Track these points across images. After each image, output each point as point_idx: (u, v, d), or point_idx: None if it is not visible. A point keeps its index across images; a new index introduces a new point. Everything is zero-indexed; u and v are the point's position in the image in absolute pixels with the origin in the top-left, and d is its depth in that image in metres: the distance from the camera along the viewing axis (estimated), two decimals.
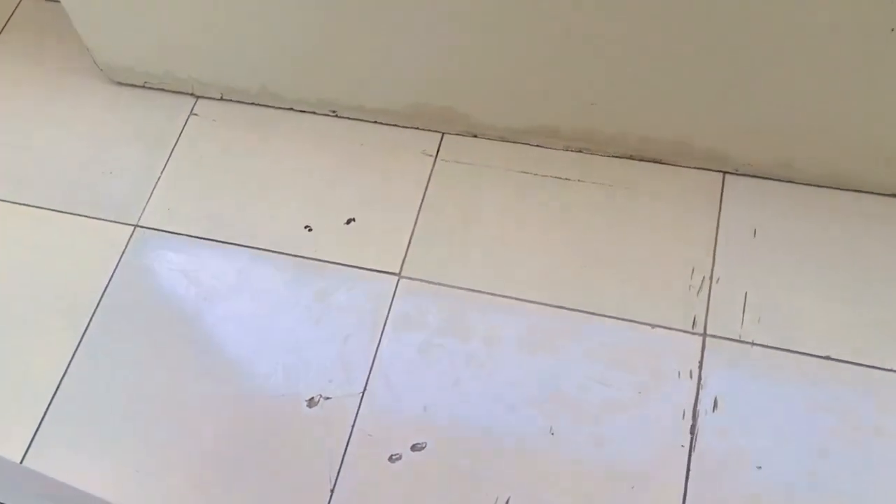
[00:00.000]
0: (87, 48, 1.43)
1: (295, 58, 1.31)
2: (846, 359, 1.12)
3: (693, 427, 1.10)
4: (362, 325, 1.23)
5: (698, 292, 1.20)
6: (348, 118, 1.41)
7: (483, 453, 1.11)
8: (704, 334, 1.16)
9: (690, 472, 1.08)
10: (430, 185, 1.33)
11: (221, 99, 1.44)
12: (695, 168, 1.29)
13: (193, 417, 1.18)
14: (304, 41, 1.27)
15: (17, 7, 1.62)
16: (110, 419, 1.18)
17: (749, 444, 1.08)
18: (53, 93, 1.50)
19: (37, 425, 1.19)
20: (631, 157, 1.31)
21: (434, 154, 1.36)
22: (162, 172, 1.39)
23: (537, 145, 1.34)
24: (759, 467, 1.07)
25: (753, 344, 1.14)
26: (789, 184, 1.26)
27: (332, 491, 1.11)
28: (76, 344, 1.24)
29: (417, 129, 1.38)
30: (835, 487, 1.04)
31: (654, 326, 1.18)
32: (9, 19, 1.60)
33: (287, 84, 1.37)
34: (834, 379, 1.11)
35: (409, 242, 1.29)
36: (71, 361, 1.23)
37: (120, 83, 1.49)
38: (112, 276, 1.30)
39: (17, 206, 1.38)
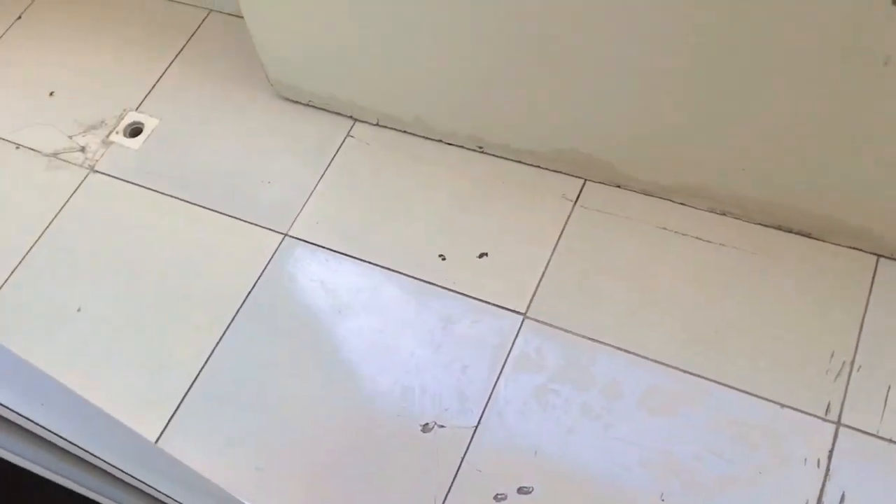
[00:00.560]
0: (262, 64, 1.54)
1: (451, 94, 1.36)
2: None
3: None
4: (482, 359, 1.25)
5: (836, 377, 1.14)
6: (493, 155, 1.44)
7: None
8: (838, 423, 1.10)
9: None
10: (566, 229, 1.34)
11: (377, 124, 1.51)
12: (846, 247, 1.24)
13: (315, 425, 1.23)
14: (463, 81, 1.32)
15: (204, 19, 1.77)
16: (240, 416, 1.26)
17: None
18: (225, 101, 1.62)
19: (172, 412, 1.28)
20: (778, 227, 1.27)
21: (574, 199, 1.37)
22: (315, 187, 1.47)
23: (681, 203, 1.33)
24: None
25: (892, 441, 1.08)
26: None
27: None
28: (217, 339, 1.33)
29: (560, 172, 1.40)
30: None
31: (783, 406, 1.14)
32: (196, 30, 1.75)
33: (440, 117, 1.42)
34: None
35: (539, 284, 1.30)
36: (210, 356, 1.32)
37: (286, 99, 1.59)
38: (258, 279, 1.39)
39: (180, 201, 1.50)
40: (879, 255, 1.22)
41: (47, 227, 1.52)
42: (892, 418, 1.09)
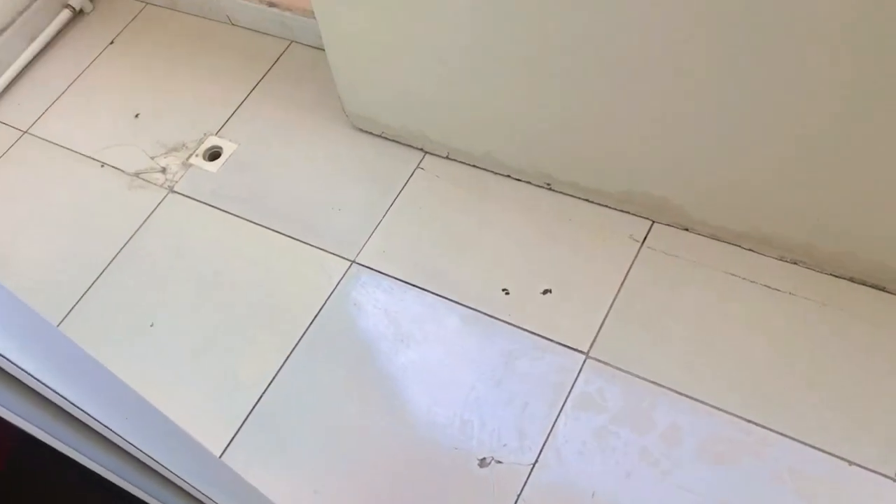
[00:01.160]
0: (339, 96, 1.59)
1: (525, 133, 1.38)
2: None
3: None
4: (543, 397, 1.25)
5: None
6: (561, 192, 1.45)
7: None
8: None
9: None
10: (632, 270, 1.34)
11: (447, 157, 1.54)
12: None
13: (373, 452, 1.25)
14: (538, 120, 1.33)
15: (285, 49, 1.83)
16: (301, 439, 1.28)
17: None
18: (301, 129, 1.67)
19: (236, 430, 1.31)
20: (850, 279, 1.25)
21: (641, 240, 1.37)
22: (384, 216, 1.50)
23: (750, 249, 1.31)
24: None
25: None
26: None
27: None
28: (282, 361, 1.37)
29: (627, 213, 1.40)
30: None
31: (850, 464, 1.11)
32: (277, 60, 1.81)
33: (510, 154, 1.44)
34: None
35: (602, 324, 1.30)
36: (275, 377, 1.35)
37: (360, 129, 1.63)
38: (324, 303, 1.42)
39: (253, 224, 1.55)
40: None
41: (126, 243, 1.58)
42: None
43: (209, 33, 1.91)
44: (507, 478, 1.18)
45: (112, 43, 1.96)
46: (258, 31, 1.87)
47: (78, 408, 0.64)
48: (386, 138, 1.61)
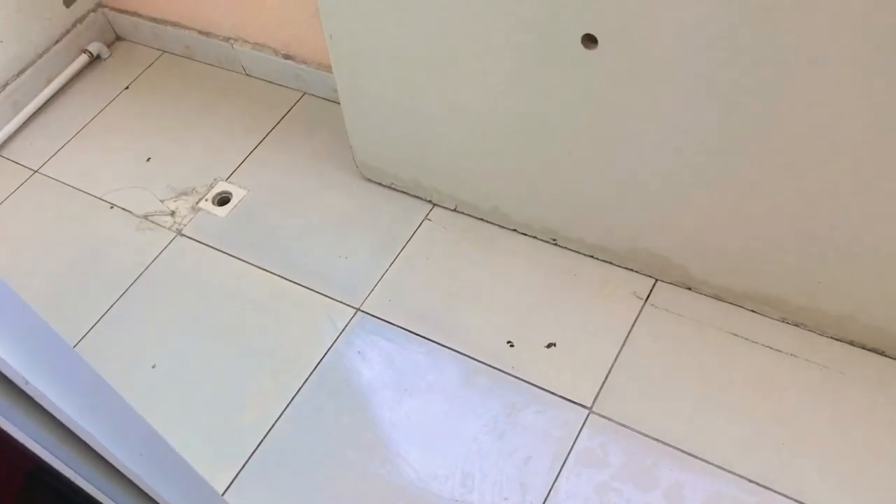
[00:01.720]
0: (351, 146, 1.62)
1: (533, 189, 1.41)
2: None
3: None
4: (545, 450, 1.25)
5: None
6: (566, 248, 1.48)
7: None
8: None
9: None
10: (635, 326, 1.36)
11: (455, 210, 1.57)
12: None
13: (372, 501, 1.24)
14: (546, 178, 1.37)
15: (298, 100, 1.87)
16: (301, 485, 1.27)
17: None
18: (310, 178, 1.70)
19: (235, 474, 1.30)
20: (851, 343, 1.27)
21: (644, 298, 1.39)
22: (390, 266, 1.52)
23: (751, 310, 1.33)
24: None
25: None
26: None
27: None
28: (284, 406, 1.37)
29: (631, 270, 1.42)
30: None
31: None
32: (289, 110, 1.86)
33: (517, 208, 1.47)
34: None
35: (606, 379, 1.31)
36: (276, 422, 1.35)
37: (370, 180, 1.66)
38: (328, 350, 1.42)
39: (260, 270, 1.56)
40: None
41: (132, 283, 1.59)
42: None
43: (224, 82, 1.95)
44: None
45: (127, 88, 2.00)
46: (272, 82, 1.92)
47: (101, 444, 0.64)
48: (395, 189, 1.64)
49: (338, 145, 1.74)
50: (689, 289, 1.38)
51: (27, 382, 0.55)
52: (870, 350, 1.26)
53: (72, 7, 1.99)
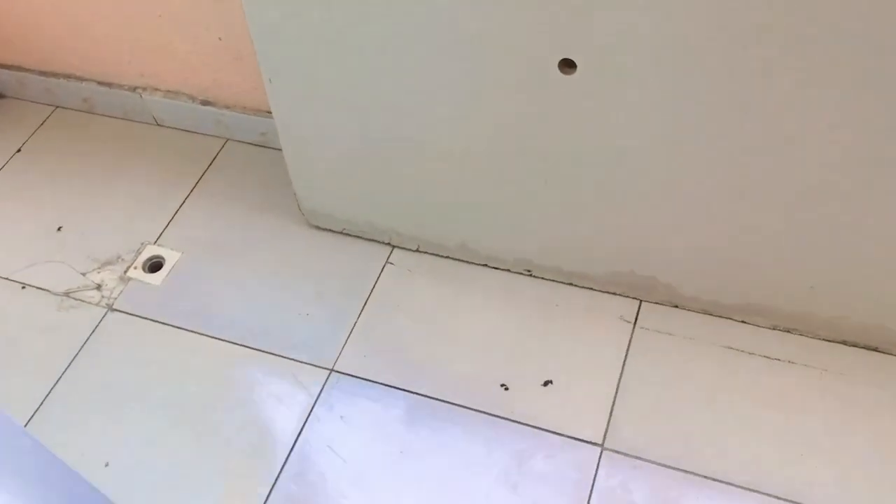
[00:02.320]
0: (295, 193, 1.50)
1: (500, 220, 1.34)
2: None
3: None
4: (565, 497, 1.18)
5: None
6: (543, 278, 1.42)
7: None
8: None
9: None
10: (629, 352, 1.31)
11: (417, 250, 1.48)
12: None
13: None
14: (513, 206, 1.30)
15: (221, 148, 1.73)
16: None
17: None
18: (250, 231, 1.57)
19: None
20: (844, 342, 1.27)
21: (632, 321, 1.35)
22: (358, 318, 1.41)
23: (741, 321, 1.32)
24: None
25: None
26: None
27: None
28: (268, 491, 1.23)
29: (614, 294, 1.38)
30: None
31: None
32: (213, 160, 1.71)
33: (487, 242, 1.40)
34: None
35: (612, 412, 1.25)
36: None
37: (318, 227, 1.55)
38: (306, 419, 1.30)
39: (212, 339, 1.41)
40: None
41: (63, 372, 1.40)
42: None
43: (133, 135, 1.78)
44: None
45: (20, 150, 1.79)
46: (188, 131, 1.77)
47: None
48: (348, 234, 1.53)
49: (276, 193, 1.61)
50: (676, 306, 1.35)
51: None
52: (863, 348, 1.26)
53: None
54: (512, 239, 1.37)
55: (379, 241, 1.51)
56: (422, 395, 1.31)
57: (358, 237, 1.52)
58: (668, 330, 1.33)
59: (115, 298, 1.50)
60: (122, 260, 1.55)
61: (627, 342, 1.33)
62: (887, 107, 0.95)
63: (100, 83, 1.76)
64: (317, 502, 1.21)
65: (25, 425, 1.33)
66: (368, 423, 1.28)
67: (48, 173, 1.73)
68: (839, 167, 1.04)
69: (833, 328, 1.26)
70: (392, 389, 1.32)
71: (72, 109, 1.85)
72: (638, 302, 1.37)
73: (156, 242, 1.58)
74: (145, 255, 1.56)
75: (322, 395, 1.33)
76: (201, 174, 1.68)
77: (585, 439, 1.23)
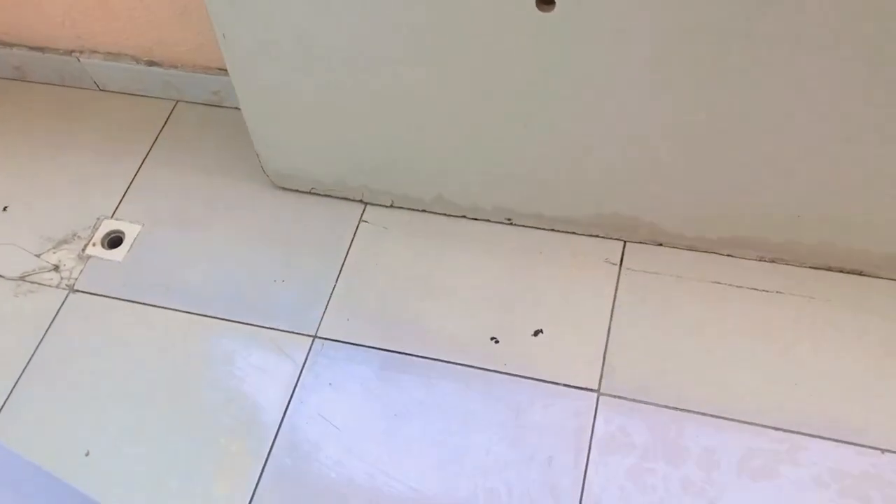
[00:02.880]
0: (257, 154, 1.43)
1: (476, 168, 1.30)
2: None
3: None
4: (565, 446, 1.16)
5: None
6: (524, 226, 1.38)
7: None
8: None
9: None
10: (618, 294, 1.29)
11: (392, 206, 1.43)
12: None
13: None
14: (491, 154, 1.26)
15: (172, 111, 1.63)
16: None
17: None
18: (213, 197, 1.49)
19: None
20: (829, 269, 1.27)
21: (618, 263, 1.33)
22: (337, 280, 1.36)
23: (727, 255, 1.31)
24: None
25: None
26: None
27: None
28: (260, 470, 1.19)
29: (597, 236, 1.35)
30: None
31: (883, 451, 1.11)
32: (164, 124, 1.61)
33: (464, 193, 1.35)
34: None
35: (605, 356, 1.24)
36: (257, 485, 1.17)
37: (284, 188, 1.48)
38: (294, 390, 1.25)
39: (184, 314, 1.35)
40: None
41: (28, 362, 1.33)
42: None
43: (74, 103, 1.67)
44: None
45: None
46: (135, 94, 1.66)
47: None
48: (316, 194, 1.46)
49: (236, 154, 1.53)
50: (661, 244, 1.33)
51: None
52: (848, 272, 1.27)
53: None
54: (490, 187, 1.33)
55: (351, 199, 1.45)
56: (411, 354, 1.27)
57: (328, 196, 1.46)
58: (655, 269, 1.31)
59: (76, 279, 1.41)
60: (79, 237, 1.47)
61: (615, 284, 1.31)
62: (871, 30, 0.92)
63: (31, 48, 1.63)
64: (313, 474, 1.17)
65: None
66: (359, 388, 1.25)
67: None
68: (816, 96, 1.01)
69: (818, 255, 1.26)
70: (380, 352, 1.28)
71: (2, 78, 1.72)
72: (622, 243, 1.35)
73: (113, 216, 1.49)
74: (103, 230, 1.47)
75: (307, 362, 1.28)
76: (153, 140, 1.59)
77: (581, 386, 1.21)
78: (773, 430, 1.15)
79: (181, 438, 1.23)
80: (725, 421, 1.16)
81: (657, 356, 1.23)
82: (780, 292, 1.27)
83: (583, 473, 1.14)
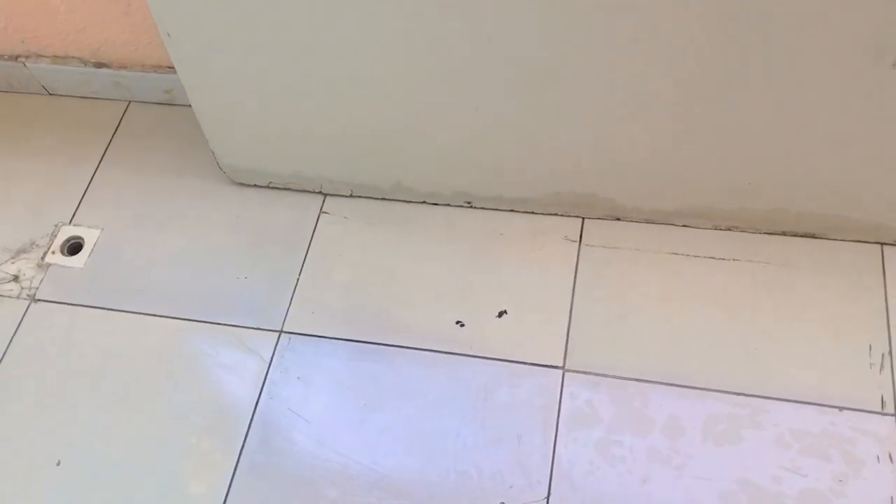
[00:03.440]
0: (212, 151, 1.42)
1: (432, 153, 1.30)
2: None
3: None
4: (534, 424, 1.18)
5: (881, 370, 1.16)
6: (483, 208, 1.39)
7: None
8: None
9: None
10: (578, 271, 1.31)
11: (351, 196, 1.43)
12: (850, 241, 1.27)
13: None
14: (446, 138, 1.26)
15: (125, 112, 1.61)
16: None
17: None
18: (170, 197, 1.48)
19: None
20: (783, 233, 1.29)
21: (577, 239, 1.34)
22: (300, 274, 1.36)
23: (683, 225, 1.33)
24: None
25: None
26: None
27: None
28: (233, 467, 1.19)
29: (556, 215, 1.37)
30: None
31: (841, 409, 1.14)
32: (118, 125, 1.59)
33: (423, 178, 1.36)
34: None
35: (568, 332, 1.25)
36: (232, 481, 1.18)
37: (242, 184, 1.47)
38: (262, 386, 1.26)
39: (148, 317, 1.35)
40: (883, 244, 1.26)
41: None
42: None
43: (22, 109, 1.64)
44: None
45: None
46: (85, 97, 1.64)
47: None
48: (274, 188, 1.46)
49: (192, 153, 1.52)
50: (619, 219, 1.34)
51: None
52: (802, 236, 1.29)
53: None
54: (448, 172, 1.33)
55: (309, 191, 1.45)
56: (378, 343, 1.28)
57: (286, 189, 1.45)
58: (614, 244, 1.33)
59: (37, 288, 1.40)
60: (37, 245, 1.45)
61: (575, 261, 1.32)
62: None
63: None
64: (288, 468, 1.18)
65: None
66: (328, 380, 1.25)
67: None
68: (759, 60, 1.02)
69: (772, 221, 1.28)
70: (347, 342, 1.29)
71: None
72: (581, 220, 1.36)
73: (71, 222, 1.47)
74: (62, 237, 1.46)
75: (275, 358, 1.29)
76: (107, 143, 1.57)
77: (546, 364, 1.23)
78: (734, 395, 1.17)
79: (153, 441, 1.23)
80: (688, 389, 1.19)
81: (619, 329, 1.25)
82: (737, 259, 1.29)
83: (552, 450, 1.16)
